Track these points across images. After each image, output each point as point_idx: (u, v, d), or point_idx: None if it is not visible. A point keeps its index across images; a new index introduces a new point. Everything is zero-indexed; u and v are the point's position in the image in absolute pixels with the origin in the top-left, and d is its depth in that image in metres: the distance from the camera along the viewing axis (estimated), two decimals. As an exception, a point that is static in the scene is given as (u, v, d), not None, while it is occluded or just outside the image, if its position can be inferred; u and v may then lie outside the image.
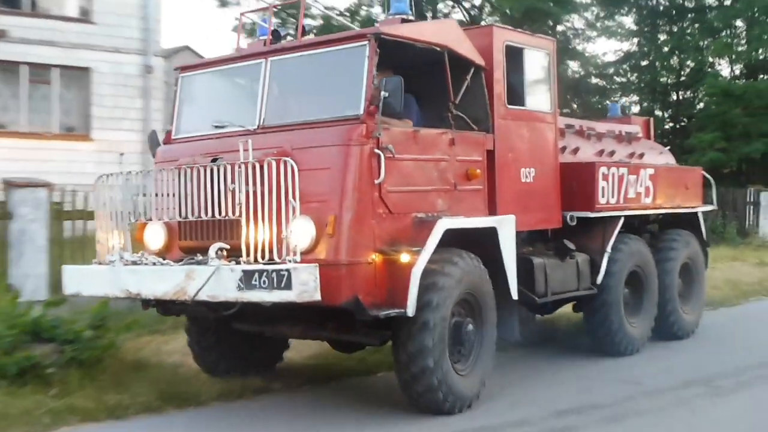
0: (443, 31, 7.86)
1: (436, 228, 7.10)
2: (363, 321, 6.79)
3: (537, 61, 8.95)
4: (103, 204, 7.49)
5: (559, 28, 31.25)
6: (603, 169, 9.62)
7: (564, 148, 9.85)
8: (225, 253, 6.58)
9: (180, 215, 7.10)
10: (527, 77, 8.78)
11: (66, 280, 7.52)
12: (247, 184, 6.63)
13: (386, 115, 6.93)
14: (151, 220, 7.49)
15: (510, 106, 8.47)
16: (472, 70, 8.05)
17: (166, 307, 7.56)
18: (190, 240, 7.27)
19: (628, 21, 32.79)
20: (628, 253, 9.85)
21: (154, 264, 7.02)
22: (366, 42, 7.05)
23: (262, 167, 6.58)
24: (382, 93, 6.86)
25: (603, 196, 9.60)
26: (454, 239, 7.37)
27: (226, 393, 8.07)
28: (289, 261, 6.36)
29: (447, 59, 7.67)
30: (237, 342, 8.49)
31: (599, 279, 9.56)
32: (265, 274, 6.22)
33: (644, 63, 32.61)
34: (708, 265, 11.85)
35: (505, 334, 8.17)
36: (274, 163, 6.53)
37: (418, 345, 6.94)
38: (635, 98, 32.95)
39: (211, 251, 6.55)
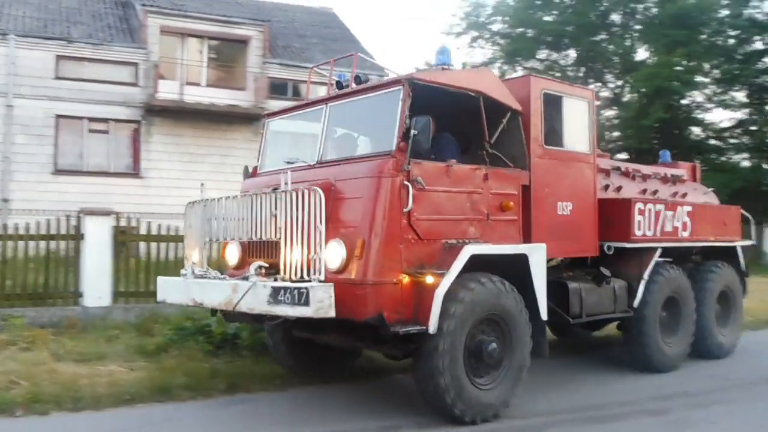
0: (478, 79, 6.65)
1: (462, 253, 5.88)
2: (390, 335, 5.59)
3: (576, 108, 7.58)
4: (189, 226, 6.68)
5: (684, 101, 29.84)
6: (639, 205, 8.09)
7: (607, 186, 8.38)
8: (263, 270, 5.61)
9: (245, 236, 6.17)
10: (566, 122, 7.42)
11: (158, 289, 6.74)
12: (286, 210, 5.62)
13: (416, 151, 5.77)
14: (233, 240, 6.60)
15: (547, 147, 7.15)
16: (509, 114, 6.81)
17: (228, 315, 6.60)
18: (253, 257, 6.32)
19: (740, 95, 30.84)
20: (664, 280, 8.25)
21: (215, 278, 6.11)
22: (401, 87, 5.98)
23: (297, 196, 5.54)
24: (412, 131, 5.71)
25: (639, 229, 8.04)
26: (486, 265, 6.14)
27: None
28: (313, 280, 5.28)
29: (482, 103, 6.46)
30: (310, 347, 7.46)
31: (636, 303, 7.98)
32: (288, 291, 5.28)
33: (754, 128, 30.38)
34: (746, 292, 9.83)
35: (536, 351, 6.73)
36: (305, 192, 5.48)
37: (430, 366, 5.79)
38: (746, 155, 30.68)
39: (251, 269, 5.57)
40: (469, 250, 5.98)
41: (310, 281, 5.36)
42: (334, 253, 5.70)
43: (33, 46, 20.16)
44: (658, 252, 8.33)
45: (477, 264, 6.11)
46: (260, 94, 21.90)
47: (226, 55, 22.99)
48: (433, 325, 5.67)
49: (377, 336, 5.92)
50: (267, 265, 5.70)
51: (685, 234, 8.77)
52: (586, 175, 7.64)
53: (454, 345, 5.80)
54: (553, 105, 7.31)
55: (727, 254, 9.56)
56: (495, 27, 33.33)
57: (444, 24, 65.92)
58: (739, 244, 9.80)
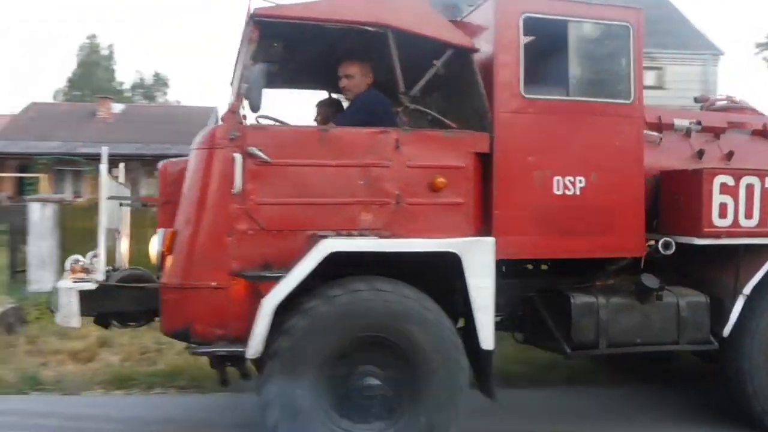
0: (382, 6, 4.72)
1: (315, 250, 4.31)
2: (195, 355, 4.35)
3: (598, 39, 5.14)
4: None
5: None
6: (723, 178, 5.19)
7: (701, 152, 5.65)
8: (80, 266, 4.70)
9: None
10: (579, 58, 5.07)
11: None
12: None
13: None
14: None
15: (530, 96, 4.94)
16: (450, 53, 4.81)
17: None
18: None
19: None
20: None
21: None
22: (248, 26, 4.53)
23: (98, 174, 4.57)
24: (242, 85, 4.33)
25: (723, 217, 5.19)
26: (392, 266, 4.52)
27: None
28: (92, 281, 4.31)
29: (391, 42, 4.62)
30: None
31: (726, 330, 5.25)
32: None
33: None
34: None
35: (483, 390, 4.78)
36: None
37: (264, 402, 4.27)
38: None
39: (67, 263, 4.74)
40: (327, 246, 4.35)
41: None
42: (152, 249, 4.64)
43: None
44: None
45: (380, 265, 4.52)
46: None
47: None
48: (253, 348, 4.22)
49: None
50: (80, 258, 4.83)
51: None
52: (621, 136, 5.10)
53: (297, 374, 4.28)
54: (548, 35, 5.06)
55: None
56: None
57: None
58: None
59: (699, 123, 5.97)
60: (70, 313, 4.16)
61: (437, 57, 4.77)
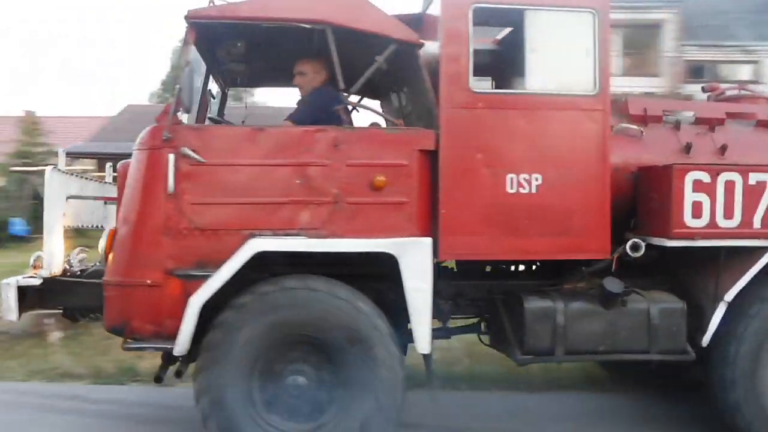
0: (328, 2, 4.70)
1: (242, 249, 4.36)
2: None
3: (559, 28, 4.84)
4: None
5: None
6: (697, 175, 4.81)
7: (688, 146, 5.25)
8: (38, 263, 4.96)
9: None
10: (537, 49, 4.80)
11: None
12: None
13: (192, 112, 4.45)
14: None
15: (480, 90, 4.76)
16: (392, 48, 4.70)
17: None
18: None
19: None
20: None
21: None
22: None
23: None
24: (176, 86, 4.42)
25: (698, 217, 4.81)
26: (332, 267, 4.56)
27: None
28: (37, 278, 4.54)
29: (331, 38, 4.58)
30: None
31: (705, 340, 4.88)
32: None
33: None
34: None
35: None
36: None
37: (196, 394, 4.38)
38: None
39: (30, 259, 5.00)
40: (253, 246, 4.37)
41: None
42: (100, 247, 4.80)
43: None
44: (766, 256, 4.94)
45: (320, 265, 4.53)
46: (677, 79, 22.14)
47: (639, 42, 23.67)
48: (181, 344, 4.32)
49: None
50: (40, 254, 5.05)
51: None
52: (581, 130, 4.85)
53: (227, 368, 4.34)
54: (502, 25, 4.87)
55: None
56: None
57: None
58: None
59: (693, 115, 5.58)
60: (8, 307, 4.42)
61: (381, 53, 4.71)
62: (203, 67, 5.17)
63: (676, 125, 5.46)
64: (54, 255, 4.78)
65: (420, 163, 4.68)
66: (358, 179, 4.60)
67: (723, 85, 6.36)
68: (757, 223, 4.84)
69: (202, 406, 4.38)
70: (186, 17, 4.54)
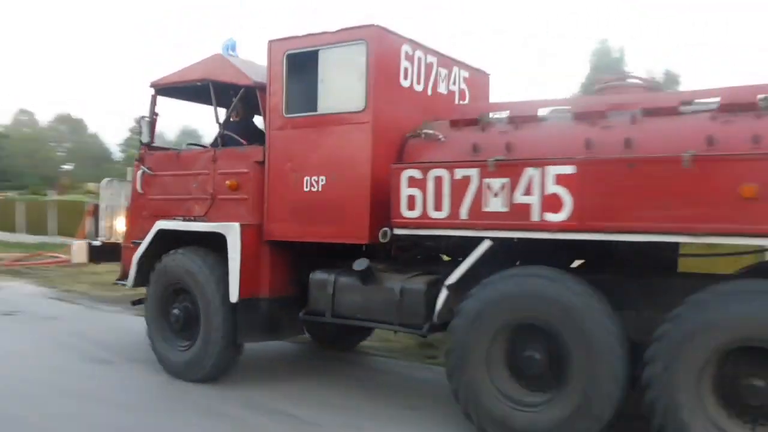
0: (205, 66, 7.10)
1: (153, 227, 7.12)
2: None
3: (339, 60, 6.15)
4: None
5: None
6: (410, 172, 5.48)
7: (475, 146, 5.77)
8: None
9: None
10: (325, 79, 6.26)
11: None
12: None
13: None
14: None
15: (289, 115, 6.44)
16: (242, 91, 6.80)
17: None
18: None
19: None
20: (488, 294, 5.22)
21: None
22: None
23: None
24: (140, 127, 7.49)
25: (412, 209, 5.52)
26: (200, 240, 6.98)
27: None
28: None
29: (211, 88, 6.98)
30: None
31: (435, 317, 5.59)
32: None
33: None
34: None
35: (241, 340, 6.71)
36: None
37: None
38: None
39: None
40: (157, 225, 7.00)
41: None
42: (118, 227, 8.12)
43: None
44: (485, 245, 5.23)
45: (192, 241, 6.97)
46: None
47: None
48: (129, 281, 7.36)
49: None
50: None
51: (556, 217, 4.80)
52: (352, 140, 6.01)
53: (155, 306, 7.14)
54: (303, 65, 6.31)
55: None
56: None
57: None
58: None
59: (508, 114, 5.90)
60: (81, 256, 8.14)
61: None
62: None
63: (483, 127, 5.94)
64: (113, 230, 8.39)
65: (255, 171, 6.69)
66: (223, 183, 6.91)
67: (608, 77, 6.12)
68: (464, 214, 5.31)
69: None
70: (150, 85, 7.58)
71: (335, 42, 6.27)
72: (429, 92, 6.72)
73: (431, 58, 6.75)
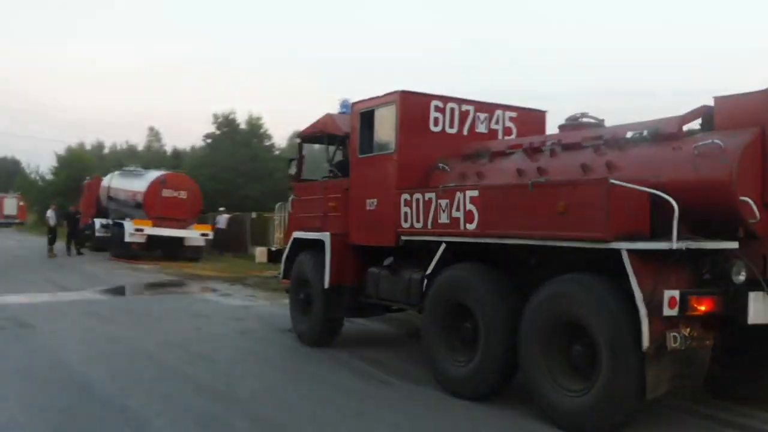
0: (321, 122, 10.24)
1: (292, 237, 10.42)
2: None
3: (384, 115, 8.78)
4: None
5: None
6: (405, 195, 8.08)
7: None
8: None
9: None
10: (376, 130, 8.98)
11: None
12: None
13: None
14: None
15: (361, 155, 9.22)
16: (340, 138, 9.87)
17: None
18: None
19: None
20: (442, 281, 7.56)
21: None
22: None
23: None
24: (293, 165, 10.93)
25: (406, 221, 8.00)
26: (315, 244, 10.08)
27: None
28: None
29: (326, 138, 10.12)
30: None
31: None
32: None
33: None
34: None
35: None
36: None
37: None
38: None
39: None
40: (294, 235, 10.19)
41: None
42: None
43: None
44: (442, 248, 7.58)
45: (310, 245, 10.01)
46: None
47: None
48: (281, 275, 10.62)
49: None
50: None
51: (471, 227, 7.02)
52: (388, 172, 8.58)
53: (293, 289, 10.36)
54: (367, 119, 8.95)
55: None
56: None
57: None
58: (625, 246, 5.58)
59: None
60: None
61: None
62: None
63: (472, 160, 8.11)
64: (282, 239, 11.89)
65: (345, 195, 9.54)
66: (330, 204, 9.88)
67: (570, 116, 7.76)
68: (429, 225, 7.59)
69: None
70: (299, 135, 10.91)
71: (381, 103, 8.95)
72: (465, 132, 8.97)
73: (467, 107, 8.99)
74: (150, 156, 58.28)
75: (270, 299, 15.28)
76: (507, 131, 9.32)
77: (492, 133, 9.19)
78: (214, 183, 38.86)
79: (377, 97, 9.08)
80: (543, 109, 9.72)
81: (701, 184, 5.75)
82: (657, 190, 5.73)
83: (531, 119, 9.53)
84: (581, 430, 5.97)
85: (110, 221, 28.76)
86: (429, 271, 7.79)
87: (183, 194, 26.84)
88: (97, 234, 29.04)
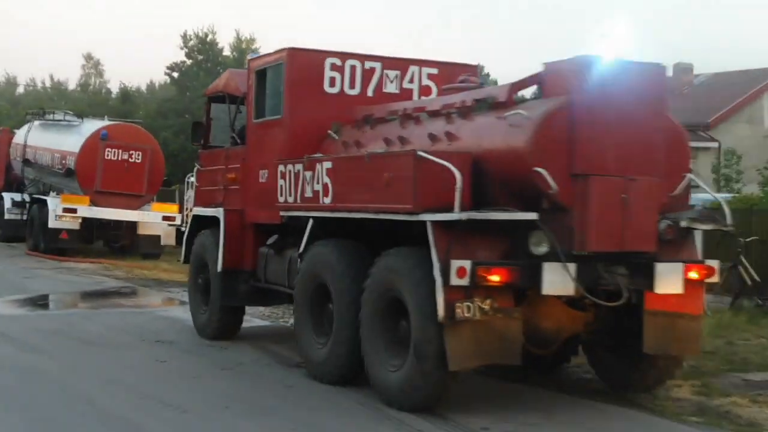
0: (221, 79, 9.37)
1: (191, 214, 9.58)
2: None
3: (274, 76, 7.84)
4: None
5: None
6: (281, 168, 7.31)
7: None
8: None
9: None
10: (269, 91, 8.00)
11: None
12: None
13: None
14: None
15: (255, 120, 8.26)
16: (240, 100, 8.75)
17: None
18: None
19: None
20: (307, 260, 6.89)
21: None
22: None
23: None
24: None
25: (281, 195, 7.31)
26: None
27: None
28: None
29: (227, 99, 9.10)
30: None
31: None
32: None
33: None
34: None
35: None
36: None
37: None
38: None
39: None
40: (193, 211, 9.31)
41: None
42: None
43: None
44: (310, 223, 6.89)
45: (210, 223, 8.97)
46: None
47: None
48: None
49: None
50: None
51: (327, 200, 6.46)
52: (278, 140, 7.64)
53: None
54: (261, 79, 7.96)
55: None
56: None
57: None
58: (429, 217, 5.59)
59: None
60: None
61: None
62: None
63: (358, 126, 7.25)
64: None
65: (242, 166, 8.60)
66: (229, 176, 8.82)
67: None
68: (299, 199, 6.83)
69: None
70: (204, 94, 9.95)
71: (271, 62, 7.96)
72: (370, 93, 7.96)
73: (372, 64, 7.98)
74: (87, 98, 42.56)
75: (271, 314, 10.91)
76: (425, 90, 8.25)
77: (405, 93, 8.13)
78: (182, 139, 26.27)
79: (269, 54, 8.13)
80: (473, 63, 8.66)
81: (506, 155, 5.76)
82: (481, 160, 5.67)
83: (457, 75, 8.39)
84: (399, 405, 5.85)
85: (26, 196, 20.90)
86: (301, 249, 6.97)
87: (136, 156, 18.43)
88: (6, 216, 21.27)
